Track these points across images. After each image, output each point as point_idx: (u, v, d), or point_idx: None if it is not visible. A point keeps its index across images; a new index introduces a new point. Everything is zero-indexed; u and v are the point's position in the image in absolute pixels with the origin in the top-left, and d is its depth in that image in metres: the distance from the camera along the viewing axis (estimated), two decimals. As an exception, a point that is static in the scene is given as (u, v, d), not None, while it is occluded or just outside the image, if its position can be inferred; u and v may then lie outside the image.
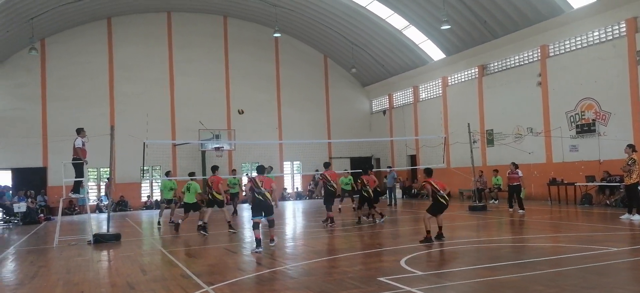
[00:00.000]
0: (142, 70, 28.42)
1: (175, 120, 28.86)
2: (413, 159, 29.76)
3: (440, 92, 27.78)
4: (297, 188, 31.93)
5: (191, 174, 17.19)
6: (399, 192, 26.69)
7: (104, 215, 19.10)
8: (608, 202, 17.42)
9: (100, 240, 12.98)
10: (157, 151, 24.91)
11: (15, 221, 19.89)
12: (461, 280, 7.25)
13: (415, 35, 27.03)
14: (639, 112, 17.70)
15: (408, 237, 12.20)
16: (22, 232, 16.92)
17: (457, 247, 10.28)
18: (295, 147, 30.40)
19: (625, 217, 13.30)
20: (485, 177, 22.74)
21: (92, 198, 26.00)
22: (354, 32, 28.94)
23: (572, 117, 20.14)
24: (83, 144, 13.83)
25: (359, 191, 15.48)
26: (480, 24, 22.96)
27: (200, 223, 14.20)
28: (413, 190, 28.46)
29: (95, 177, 27.21)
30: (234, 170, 21.94)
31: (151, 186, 28.36)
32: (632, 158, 13.19)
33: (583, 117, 19.69)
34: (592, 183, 18.35)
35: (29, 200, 22.04)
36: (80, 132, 13.98)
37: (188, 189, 15.30)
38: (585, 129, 19.52)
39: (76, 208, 25.12)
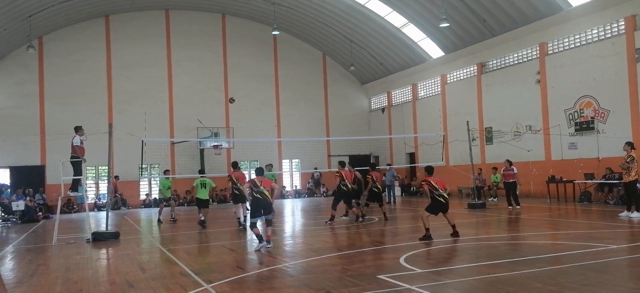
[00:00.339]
0: (140, 68, 28.37)
1: (173, 118, 28.83)
2: (412, 157, 29.76)
3: (439, 89, 27.78)
4: (296, 186, 31.92)
5: (201, 172, 17.70)
6: (397, 190, 26.68)
7: (103, 213, 19.08)
8: (608, 200, 17.43)
9: (99, 239, 12.96)
10: (156, 149, 24.88)
11: (14, 219, 19.85)
12: (460, 278, 7.24)
13: (414, 33, 27.01)
14: (638, 110, 17.71)
15: (407, 234, 12.19)
16: (21, 231, 16.89)
17: (456, 244, 10.28)
18: (294, 145, 30.38)
19: (624, 214, 13.32)
20: (484, 175, 22.75)
21: (90, 196, 25.96)
22: (352, 30, 28.91)
23: (570, 115, 20.14)
24: (81, 142, 13.79)
25: (369, 188, 15.46)
26: (479, 22, 22.95)
27: (202, 219, 15.13)
28: (412, 188, 28.47)
29: (94, 175, 27.17)
30: (270, 165, 21.98)
31: (150, 184, 28.33)
32: (630, 155, 13.20)
33: (582, 114, 19.70)
34: (591, 181, 18.37)
35: (28, 198, 21.99)
36: (78, 130, 13.94)
37: (203, 186, 15.80)
38: (584, 126, 19.53)
39: (75, 206, 25.07)
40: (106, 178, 20.07)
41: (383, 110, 32.66)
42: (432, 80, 28.54)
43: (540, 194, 21.02)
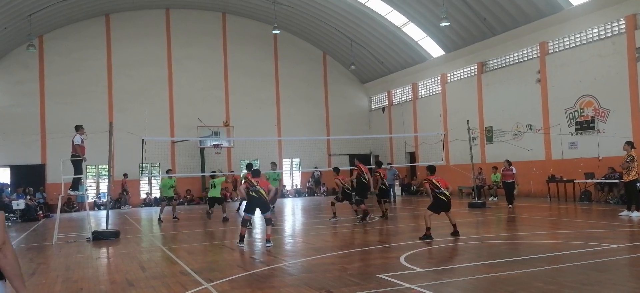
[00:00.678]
0: (140, 67, 28.36)
1: (174, 117, 28.83)
2: (412, 156, 29.76)
3: (440, 89, 27.77)
4: (296, 185, 31.92)
5: (213, 172, 18.39)
6: (398, 189, 26.69)
7: (103, 213, 19.10)
8: (608, 199, 17.43)
9: (99, 237, 12.97)
10: (156, 148, 24.90)
11: (14, 218, 19.86)
12: (461, 277, 7.25)
13: (414, 32, 26.99)
14: (638, 109, 17.70)
15: (407, 233, 12.20)
16: (21, 229, 16.90)
17: (456, 243, 10.28)
18: (294, 144, 30.38)
19: (624, 213, 13.33)
20: (485, 174, 22.75)
21: (90, 195, 25.98)
22: (353, 29, 28.90)
23: (571, 114, 20.14)
24: (82, 141, 13.80)
25: (378, 185, 15.48)
26: (480, 21, 22.94)
27: (225, 216, 16.45)
28: (412, 187, 28.47)
29: (94, 174, 27.18)
30: (274, 163, 22.00)
31: (150, 183, 28.34)
32: (630, 155, 13.20)
33: (582, 114, 19.69)
34: (591, 180, 18.37)
35: (28, 197, 22.00)
36: (79, 129, 13.95)
37: (213, 185, 16.83)
38: (585, 126, 19.52)
39: (75, 205, 25.08)
40: (107, 177, 20.06)
41: (383, 109, 32.65)
42: (433, 80, 28.53)
43: (541, 194, 21.02)
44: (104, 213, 17.55)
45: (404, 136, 28.99)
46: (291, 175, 32.15)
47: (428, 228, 10.64)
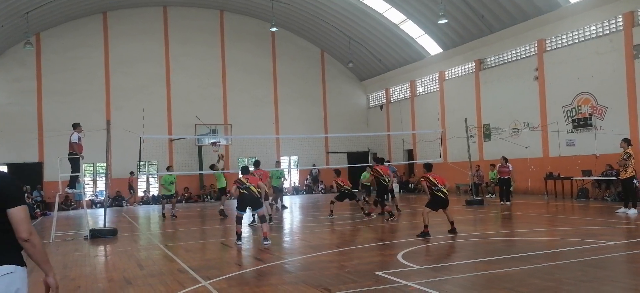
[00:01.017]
0: (138, 64, 28.30)
1: (171, 114, 28.79)
2: (410, 154, 29.77)
3: (438, 86, 27.77)
4: (294, 183, 31.92)
5: (212, 166, 19.42)
6: (396, 187, 26.65)
7: (101, 211, 19.08)
8: (605, 196, 17.47)
9: (96, 236, 12.95)
10: (154, 146, 24.79)
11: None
12: (458, 274, 7.25)
13: (412, 29, 26.99)
14: (636, 107, 17.73)
15: (405, 231, 12.20)
16: (18, 228, 16.81)
17: (454, 241, 10.29)
18: (292, 142, 30.36)
19: (622, 211, 13.35)
20: (482, 172, 22.78)
21: (88, 193, 25.94)
22: (350, 26, 28.88)
23: (568, 112, 20.16)
24: (79, 139, 13.76)
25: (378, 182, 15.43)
26: (478, 18, 22.94)
27: (221, 208, 17.26)
28: (410, 185, 28.48)
29: (91, 172, 27.14)
30: (278, 162, 22.25)
31: (148, 181, 28.31)
32: (627, 152, 13.22)
33: (580, 111, 19.72)
34: (589, 178, 18.40)
35: (25, 195, 21.92)
36: (76, 127, 13.91)
37: (218, 178, 18.25)
38: (582, 123, 19.55)
39: (72, 203, 25.05)
40: (104, 175, 20.04)
41: (381, 107, 32.65)
42: (431, 77, 28.53)
43: (538, 191, 21.06)
44: (101, 211, 17.54)
45: (402, 134, 29.00)
46: (289, 173, 32.12)
47: (426, 226, 10.64)
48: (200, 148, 28.05)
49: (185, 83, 29.13)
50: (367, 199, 16.88)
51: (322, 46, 32.65)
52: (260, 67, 31.11)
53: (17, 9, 22.59)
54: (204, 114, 28.15)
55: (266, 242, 10.43)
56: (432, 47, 27.19)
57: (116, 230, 13.80)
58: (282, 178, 19.35)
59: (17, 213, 3.00)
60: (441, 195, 10.86)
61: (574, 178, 19.11)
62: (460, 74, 26.38)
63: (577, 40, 20.09)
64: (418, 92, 29.70)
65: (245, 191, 10.63)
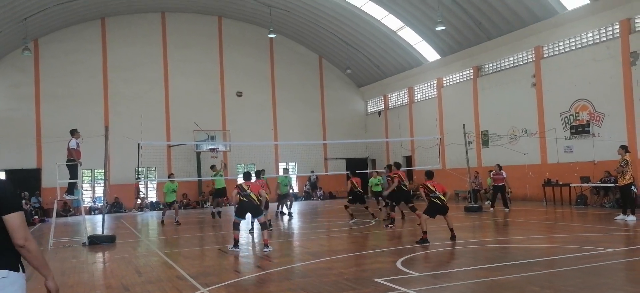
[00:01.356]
0: (136, 70, 28.31)
1: (170, 121, 28.77)
2: (408, 160, 29.79)
3: (435, 93, 27.82)
4: (292, 189, 31.81)
5: (213, 166, 20.02)
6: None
7: (99, 217, 19.04)
8: (604, 203, 17.49)
9: (95, 242, 12.92)
10: (152, 152, 24.82)
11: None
12: (457, 281, 7.25)
13: (410, 36, 27.06)
14: (633, 113, 17.78)
15: (404, 238, 12.19)
16: (16, 234, 16.76)
17: (453, 248, 10.29)
18: (290, 148, 30.34)
19: (620, 217, 13.36)
20: (481, 178, 22.78)
21: (86, 199, 25.90)
22: (348, 32, 28.95)
23: (566, 118, 20.21)
24: (77, 145, 13.74)
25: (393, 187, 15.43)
26: (475, 25, 23.02)
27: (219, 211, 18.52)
28: (410, 191, 28.44)
29: (90, 178, 27.09)
30: (286, 169, 22.39)
31: (146, 187, 28.27)
32: (625, 159, 13.25)
33: (577, 118, 19.77)
34: (587, 184, 18.44)
35: (23, 201, 21.89)
36: (74, 133, 13.89)
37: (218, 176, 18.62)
38: (580, 130, 19.60)
39: (71, 209, 24.99)
40: (103, 181, 20.03)
41: (379, 113, 32.69)
42: (429, 84, 28.59)
43: (536, 197, 21.07)
44: (99, 217, 17.50)
45: (400, 140, 29.02)
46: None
47: (424, 233, 10.65)
48: (198, 154, 28.03)
49: (184, 89, 29.13)
50: (381, 208, 17.18)
51: (320, 52, 32.71)
52: (259, 73, 31.14)
53: (16, 15, 22.61)
54: (203, 120, 28.15)
55: (266, 249, 10.43)
56: (430, 53, 27.27)
57: (115, 236, 13.79)
58: (289, 186, 19.27)
59: (13, 220, 3.02)
60: (438, 201, 10.89)
61: (573, 185, 19.14)
62: (458, 81, 26.44)
63: (574, 47, 20.17)
64: (416, 98, 29.75)
65: (245, 198, 10.62)
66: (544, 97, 21.15)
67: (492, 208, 18.07)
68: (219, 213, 18.81)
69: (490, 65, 24.31)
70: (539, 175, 21.12)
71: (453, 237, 10.90)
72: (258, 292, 7.11)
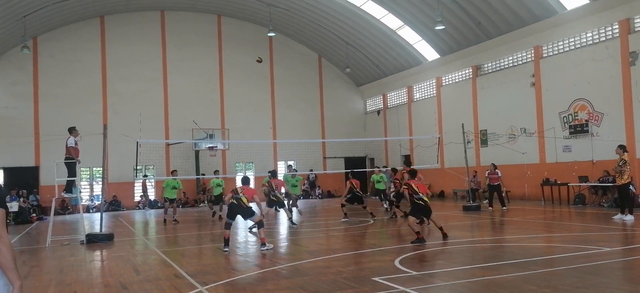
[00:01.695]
0: (135, 69, 28.28)
1: (168, 119, 28.74)
2: (407, 159, 29.79)
3: (435, 92, 27.83)
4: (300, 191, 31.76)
5: (216, 172, 20.40)
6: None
7: (97, 215, 19.03)
8: (602, 202, 17.51)
9: (93, 240, 12.91)
10: (151, 150, 24.81)
11: (8, 221, 19.69)
12: (455, 280, 7.25)
13: (409, 35, 27.06)
14: (632, 113, 17.80)
15: (402, 237, 12.19)
16: (14, 232, 16.80)
17: (451, 246, 10.29)
18: (289, 147, 30.35)
19: (618, 217, 13.37)
20: (479, 177, 22.78)
21: (84, 197, 25.89)
22: (348, 32, 28.94)
23: (565, 118, 20.23)
24: (75, 143, 13.74)
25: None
26: (475, 25, 23.02)
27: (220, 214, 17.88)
28: (399, 189, 28.45)
29: (88, 176, 27.07)
30: (290, 166, 22.39)
31: (144, 186, 28.24)
32: (623, 159, 13.27)
33: (576, 117, 19.78)
34: (585, 184, 18.45)
35: (21, 199, 21.88)
36: (72, 131, 13.89)
37: (219, 185, 18.49)
38: (579, 129, 19.61)
39: (69, 207, 24.97)
40: (101, 179, 20.01)
41: (379, 112, 32.69)
42: (428, 83, 28.60)
43: (535, 197, 21.09)
44: (97, 215, 17.48)
45: (399, 139, 29.02)
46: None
47: (417, 233, 10.67)
48: (197, 152, 28.01)
49: (183, 87, 29.10)
50: (387, 206, 17.34)
51: (319, 51, 32.70)
52: (258, 72, 31.09)
53: (14, 13, 22.57)
54: (201, 118, 28.13)
55: (264, 248, 10.43)
56: (429, 53, 27.27)
57: (112, 234, 13.77)
58: (298, 186, 19.12)
59: None
60: (421, 203, 10.97)
61: (571, 184, 19.17)
62: (457, 80, 26.45)
63: (573, 47, 20.18)
64: (415, 97, 29.76)
65: (235, 201, 10.72)
66: (543, 97, 21.16)
67: (490, 208, 18.11)
68: (219, 217, 18.46)
69: (490, 64, 24.31)
70: (537, 174, 21.14)
71: (445, 236, 10.92)
72: (256, 291, 7.10)
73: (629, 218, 13.04)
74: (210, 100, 29.73)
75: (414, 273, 7.70)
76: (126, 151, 22.30)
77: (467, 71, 25.56)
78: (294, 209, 17.52)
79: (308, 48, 32.56)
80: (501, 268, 7.75)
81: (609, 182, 17.07)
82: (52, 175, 15.60)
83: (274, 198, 15.22)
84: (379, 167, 22.40)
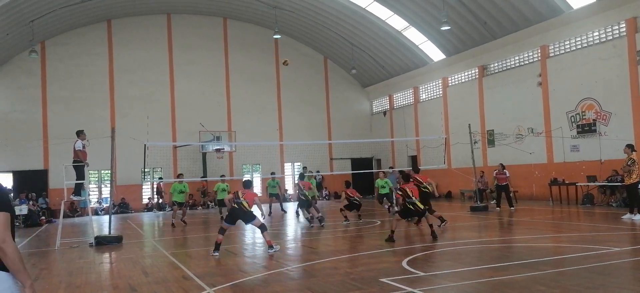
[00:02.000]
0: (142, 72, 28.42)
1: (175, 122, 28.86)
2: (414, 160, 29.74)
3: (441, 92, 27.78)
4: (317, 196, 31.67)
5: (222, 176, 19.85)
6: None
7: (106, 218, 19.14)
8: (611, 202, 17.41)
9: (101, 243, 12.99)
10: (158, 153, 24.89)
11: (17, 223, 19.87)
12: (463, 281, 7.24)
13: (415, 36, 27.03)
14: (639, 112, 17.71)
15: (409, 238, 12.18)
16: (24, 235, 16.93)
17: (459, 247, 10.28)
18: (296, 148, 30.40)
19: (627, 216, 13.30)
20: (487, 178, 22.72)
21: (92, 200, 26.04)
22: (353, 33, 28.95)
23: (572, 117, 20.13)
24: (83, 146, 13.83)
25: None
26: (480, 25, 22.97)
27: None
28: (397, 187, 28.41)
29: (96, 179, 27.22)
30: (305, 168, 22.54)
31: (152, 188, 28.35)
32: (631, 158, 13.19)
33: (584, 117, 19.68)
34: (593, 183, 18.35)
35: (31, 202, 22.03)
36: (80, 134, 13.99)
37: (223, 189, 18.46)
38: (586, 129, 19.51)
39: (78, 210, 25.12)
40: (109, 182, 20.13)
41: (385, 113, 32.66)
42: (434, 83, 28.55)
43: (543, 197, 21.00)
44: (106, 218, 17.59)
45: (406, 140, 28.98)
46: (293, 179, 32.10)
47: (392, 231, 11.09)
48: (204, 155, 28.10)
49: (189, 90, 29.22)
50: (390, 208, 17.34)
51: (325, 53, 32.72)
52: (264, 74, 31.18)
53: (22, 18, 22.76)
54: (208, 120, 28.23)
55: (271, 250, 10.43)
56: (435, 53, 27.22)
57: (121, 237, 13.84)
58: (314, 190, 18.95)
59: None
60: (411, 207, 11.25)
61: (579, 184, 19.07)
62: (463, 80, 26.38)
63: (580, 46, 20.09)
64: (421, 98, 29.71)
65: (236, 205, 10.66)
66: (550, 96, 21.07)
67: (498, 208, 18.04)
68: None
69: (496, 64, 24.24)
70: (545, 174, 21.05)
71: (434, 237, 11.07)
72: (264, 292, 7.12)
73: (638, 217, 12.96)
74: (216, 103, 29.82)
75: (422, 274, 7.69)
76: (134, 154, 22.40)
77: (473, 71, 25.50)
78: (305, 210, 17.46)
79: (314, 50, 32.59)
80: (509, 268, 7.73)
81: (617, 182, 16.96)
82: (61, 178, 15.72)
83: (303, 197, 15.95)
84: (383, 171, 22.28)
